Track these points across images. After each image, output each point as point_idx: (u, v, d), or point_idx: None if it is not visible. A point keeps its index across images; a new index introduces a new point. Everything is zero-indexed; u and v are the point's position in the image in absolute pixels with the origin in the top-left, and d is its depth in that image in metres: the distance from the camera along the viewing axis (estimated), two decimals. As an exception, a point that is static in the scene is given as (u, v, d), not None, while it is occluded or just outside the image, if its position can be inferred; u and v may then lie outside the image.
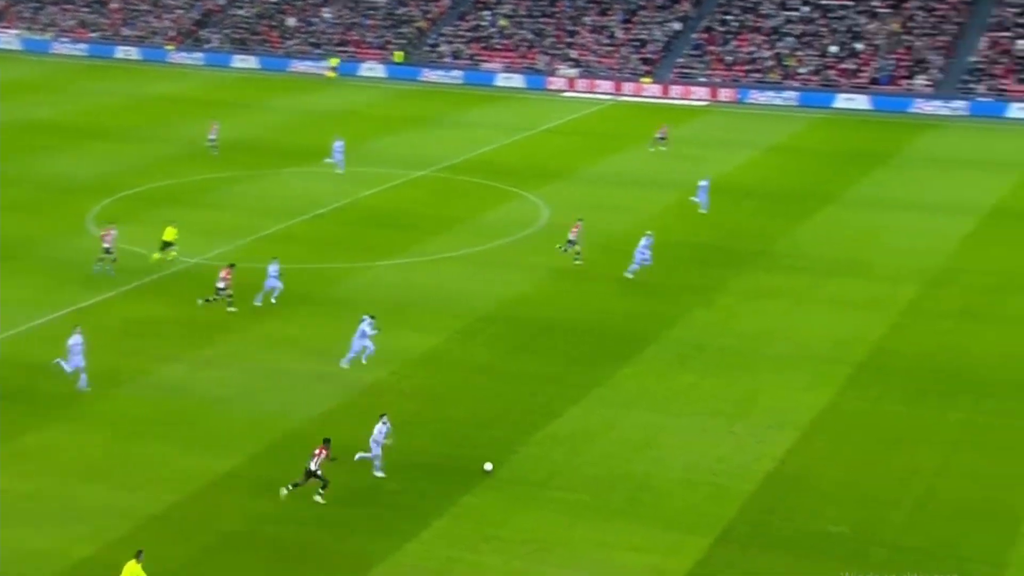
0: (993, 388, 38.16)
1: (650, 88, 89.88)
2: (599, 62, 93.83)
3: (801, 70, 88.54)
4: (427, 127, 78.23)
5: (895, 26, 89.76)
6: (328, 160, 64.98)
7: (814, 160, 69.32)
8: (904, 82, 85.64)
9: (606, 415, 36.29)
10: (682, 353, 41.03)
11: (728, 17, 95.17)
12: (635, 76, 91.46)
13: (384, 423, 32.33)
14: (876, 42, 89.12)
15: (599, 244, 52.65)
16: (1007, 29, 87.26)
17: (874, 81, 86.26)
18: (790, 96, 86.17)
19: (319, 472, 30.83)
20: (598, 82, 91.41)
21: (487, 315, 44.49)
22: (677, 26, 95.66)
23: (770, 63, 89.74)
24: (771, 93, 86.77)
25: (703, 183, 57.01)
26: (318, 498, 31.01)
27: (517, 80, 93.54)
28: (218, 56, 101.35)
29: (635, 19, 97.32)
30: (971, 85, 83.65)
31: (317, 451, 30.96)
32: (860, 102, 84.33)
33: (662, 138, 70.44)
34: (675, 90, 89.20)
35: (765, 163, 68.43)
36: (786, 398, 37.37)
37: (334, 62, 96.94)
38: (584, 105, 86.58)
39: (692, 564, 28.53)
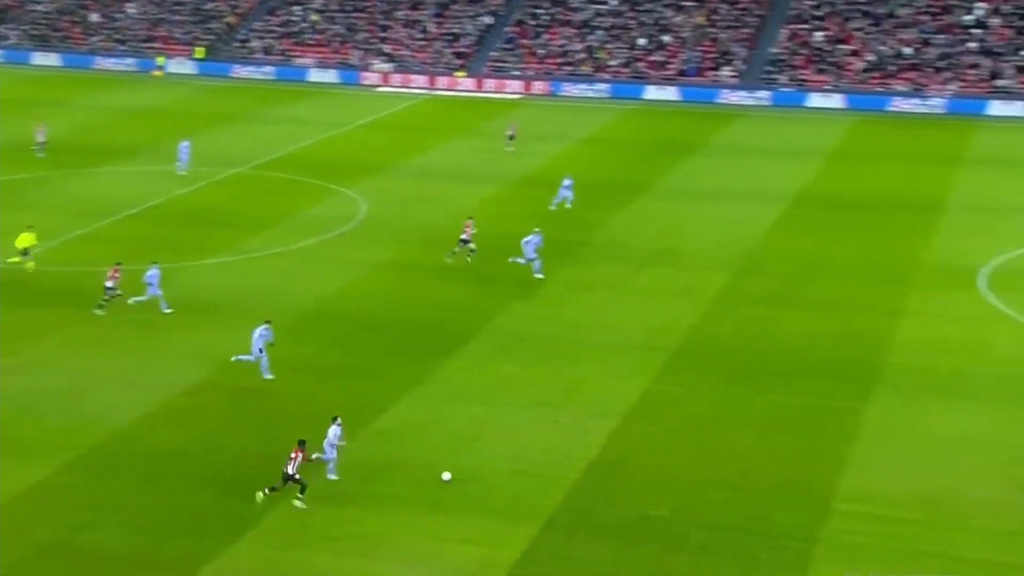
0: (801, 370, 39.55)
1: (464, 82, 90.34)
2: (412, 56, 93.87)
3: (611, 62, 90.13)
4: (240, 124, 77.14)
5: (700, 19, 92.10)
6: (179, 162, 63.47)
7: (626, 151, 70.69)
8: (710, 74, 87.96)
9: (432, 409, 36.45)
10: (505, 345, 41.47)
11: (539, 11, 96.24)
12: (449, 70, 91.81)
13: (338, 425, 31.96)
14: (683, 35, 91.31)
15: (418, 238, 52.84)
16: (805, 21, 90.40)
17: (682, 73, 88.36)
18: (601, 88, 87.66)
19: (297, 476, 30.34)
20: (412, 77, 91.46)
21: (308, 312, 44.20)
22: (489, 20, 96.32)
23: (581, 56, 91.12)
24: (583, 86, 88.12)
25: (567, 181, 57.09)
26: (297, 503, 30.59)
27: (330, 75, 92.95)
28: (17, 53, 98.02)
29: (447, 13, 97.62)
30: (773, 76, 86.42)
31: (293, 454, 30.45)
32: (669, 93, 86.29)
33: (512, 136, 70.04)
34: (489, 84, 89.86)
35: (579, 155, 69.48)
36: (607, 386, 38.10)
37: (161, 61, 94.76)
38: (399, 100, 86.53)
39: (519, 554, 28.91)
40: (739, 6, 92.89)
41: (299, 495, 30.69)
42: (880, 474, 32.61)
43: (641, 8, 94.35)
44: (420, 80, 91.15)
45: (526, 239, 47.76)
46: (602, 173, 65.05)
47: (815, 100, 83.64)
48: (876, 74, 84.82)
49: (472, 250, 49.56)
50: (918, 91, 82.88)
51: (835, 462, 33.21)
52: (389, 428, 35.24)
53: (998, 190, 61.23)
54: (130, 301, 43.26)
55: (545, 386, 38.04)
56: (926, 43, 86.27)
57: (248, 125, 76.92)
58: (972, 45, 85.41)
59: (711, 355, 40.78)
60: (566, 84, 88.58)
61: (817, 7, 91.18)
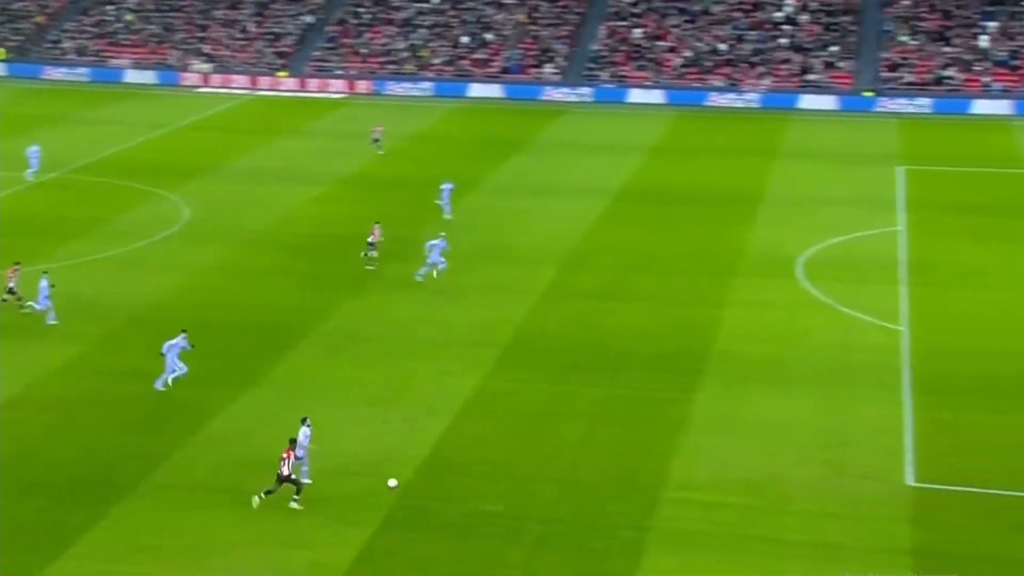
0: (630, 362, 40.14)
1: (287, 82, 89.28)
2: (233, 57, 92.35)
3: (435, 61, 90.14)
4: (54, 127, 74.76)
5: (521, 17, 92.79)
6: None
7: (453, 149, 70.76)
8: (533, 71, 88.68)
9: (262, 412, 35.90)
10: (335, 345, 41.12)
11: (360, 9, 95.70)
12: (271, 70, 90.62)
13: (307, 426, 31.49)
14: (505, 33, 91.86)
15: (244, 240, 52.07)
16: (624, 19, 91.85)
17: (505, 71, 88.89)
18: (426, 87, 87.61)
19: (292, 476, 30.06)
20: (233, 77, 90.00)
21: (134, 318, 43.12)
22: (310, 19, 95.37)
23: (405, 54, 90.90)
24: (408, 84, 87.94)
25: (446, 186, 56.58)
26: (294, 504, 30.24)
27: (148, 76, 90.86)
28: None
29: (267, 13, 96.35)
30: (595, 73, 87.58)
31: (285, 454, 30.13)
32: (493, 91, 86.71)
33: (377, 140, 69.04)
34: (312, 83, 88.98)
35: (408, 153, 69.24)
36: (438, 383, 38.07)
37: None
38: (220, 101, 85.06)
39: (355, 555, 28.68)
40: (559, 4, 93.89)
41: (295, 496, 30.42)
42: (706, 462, 33.30)
43: (463, 6, 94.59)
44: (241, 80, 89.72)
45: (431, 242, 47.21)
46: (429, 171, 64.89)
47: (636, 96, 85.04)
48: (693, 70, 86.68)
49: (373, 256, 48.86)
50: (733, 86, 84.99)
51: (664, 452, 33.79)
52: (218, 433, 34.58)
53: (812, 181, 63.19)
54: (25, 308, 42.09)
55: (377, 385, 37.82)
56: (740, 39, 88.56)
57: (64, 128, 74.64)
58: (783, 41, 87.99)
59: (542, 350, 41.09)
60: (390, 83, 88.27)
61: (635, 4, 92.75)
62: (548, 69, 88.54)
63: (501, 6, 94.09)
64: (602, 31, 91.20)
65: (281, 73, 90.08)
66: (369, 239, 48.99)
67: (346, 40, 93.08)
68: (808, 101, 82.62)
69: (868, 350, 40.91)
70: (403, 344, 41.28)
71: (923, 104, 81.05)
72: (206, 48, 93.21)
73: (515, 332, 42.41)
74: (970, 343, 41.47)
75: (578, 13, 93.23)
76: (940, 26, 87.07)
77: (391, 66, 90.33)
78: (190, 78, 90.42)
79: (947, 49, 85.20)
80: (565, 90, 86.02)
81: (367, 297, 45.79)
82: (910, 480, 32.24)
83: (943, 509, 30.97)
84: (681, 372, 39.17)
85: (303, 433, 31.53)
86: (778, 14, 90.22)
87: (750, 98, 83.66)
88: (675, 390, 37.83)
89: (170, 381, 37.28)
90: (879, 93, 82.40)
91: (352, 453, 33.50)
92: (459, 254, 50.57)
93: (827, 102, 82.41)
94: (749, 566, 28.54)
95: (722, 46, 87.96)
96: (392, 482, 30.89)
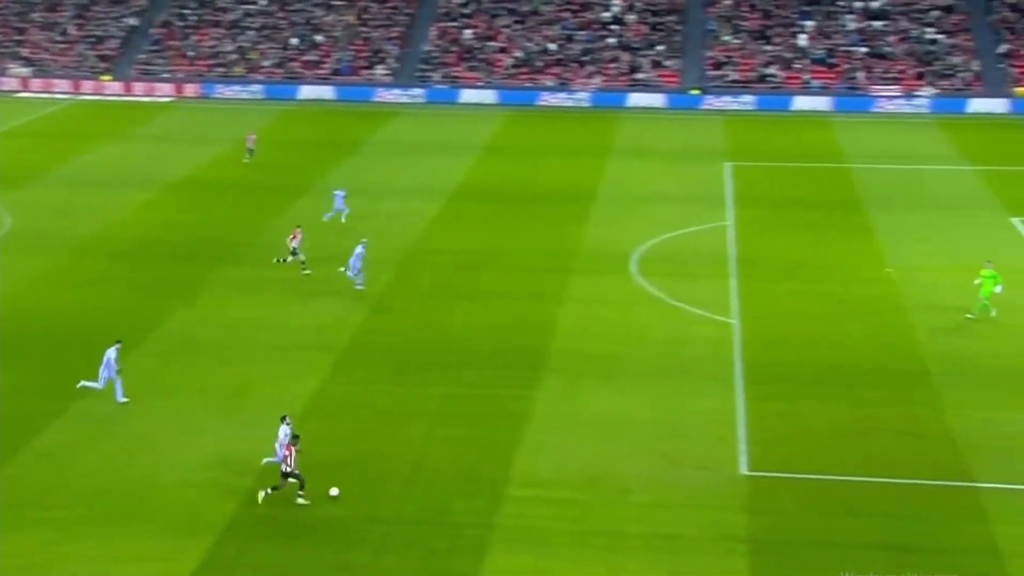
0: (471, 361, 40.26)
1: (111, 86, 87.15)
2: (53, 60, 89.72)
3: (264, 63, 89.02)
4: None
5: (351, 19, 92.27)
6: None
7: (285, 152, 69.85)
8: (364, 72, 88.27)
9: (94, 423, 34.98)
10: (170, 351, 40.32)
11: (186, 11, 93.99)
12: (94, 74, 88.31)
13: (287, 424, 31.37)
14: (335, 34, 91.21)
15: (70, 248, 50.71)
16: (454, 19, 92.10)
17: (336, 72, 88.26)
18: (256, 89, 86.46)
19: (297, 472, 30.26)
20: (54, 81, 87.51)
21: (-48, 333, 41.56)
22: (133, 21, 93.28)
23: (233, 57, 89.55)
24: (237, 87, 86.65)
25: (339, 192, 55.33)
26: (300, 500, 30.36)
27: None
28: None
29: (88, 15, 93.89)
30: (427, 74, 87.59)
31: (287, 451, 30.32)
32: (324, 93, 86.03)
33: (251, 149, 67.14)
34: (138, 87, 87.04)
35: (238, 157, 68.15)
36: (278, 388, 37.61)
37: None
38: (41, 106, 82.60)
39: (196, 565, 28.17)
40: (389, 5, 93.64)
41: (300, 492, 30.52)
42: (548, 458, 33.61)
43: (291, 8, 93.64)
44: (63, 85, 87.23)
45: (356, 249, 46.31)
46: (262, 175, 64.16)
47: (468, 96, 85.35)
48: (524, 70, 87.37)
49: (303, 261, 47.97)
50: (564, 85, 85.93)
51: (506, 449, 33.99)
52: (47, 448, 33.57)
53: (643, 178, 64.29)
54: None
55: (214, 391, 37.18)
56: (569, 39, 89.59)
57: None
58: (611, 41, 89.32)
59: (381, 351, 40.94)
60: (219, 86, 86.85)
61: (465, 5, 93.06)
62: (380, 70, 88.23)
63: (330, 7, 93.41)
64: (433, 32, 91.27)
65: (105, 77, 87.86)
66: (292, 244, 48.23)
67: (172, 42, 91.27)
68: (637, 99, 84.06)
69: (701, 343, 41.81)
70: (240, 349, 40.68)
71: (747, 101, 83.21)
72: (25, 51, 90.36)
73: (353, 334, 42.16)
74: (797, 334, 42.72)
75: (408, 14, 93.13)
76: (761, 25, 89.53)
77: (219, 68, 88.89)
78: (8, 83, 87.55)
79: (768, 48, 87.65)
80: (397, 91, 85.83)
81: (201, 302, 44.99)
82: (744, 469, 33.06)
83: (775, 496, 31.84)
84: (521, 369, 39.46)
85: (283, 432, 31.41)
86: (605, 14, 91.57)
87: (581, 97, 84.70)
88: (516, 387, 38.09)
89: (87, 384, 36.30)
90: (705, 91, 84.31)
91: (192, 462, 32.88)
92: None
93: (656, 100, 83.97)
94: (590, 561, 28.90)
95: (552, 46, 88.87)
96: (334, 491, 31.03)
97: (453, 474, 32.68)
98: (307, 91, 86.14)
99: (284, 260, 48.49)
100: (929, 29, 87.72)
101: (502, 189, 62.18)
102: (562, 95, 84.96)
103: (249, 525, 29.94)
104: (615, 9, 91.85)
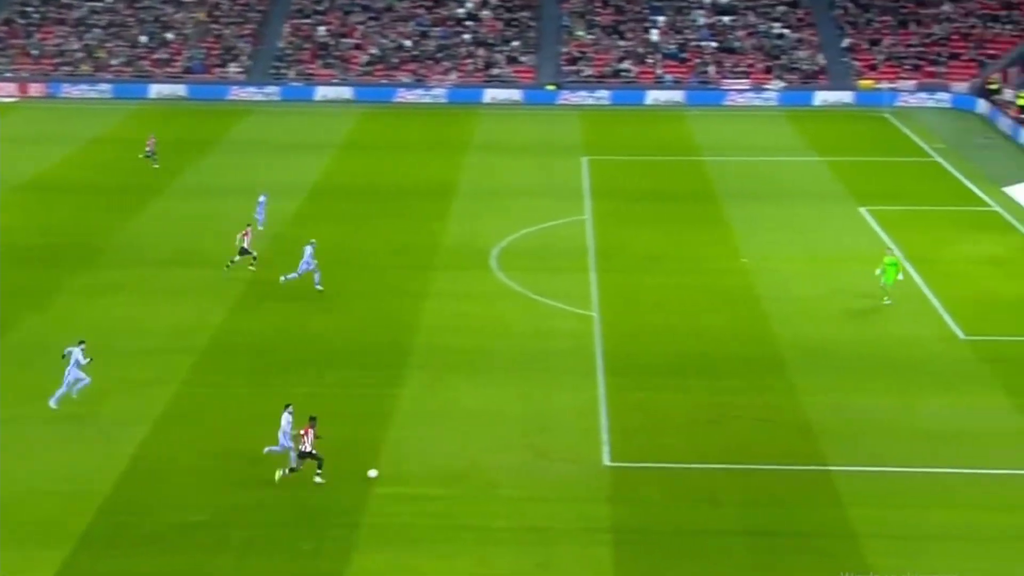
0: (334, 359, 39.97)
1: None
2: None
3: (113, 61, 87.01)
4: None
5: (201, 16, 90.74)
6: None
7: (138, 152, 68.34)
8: (217, 70, 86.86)
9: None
10: (22, 359, 39.17)
11: (29, 9, 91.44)
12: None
13: (290, 413, 31.61)
14: (185, 31, 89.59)
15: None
16: (308, 16, 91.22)
17: (188, 70, 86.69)
18: (104, 88, 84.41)
19: (314, 452, 30.92)
20: None
21: None
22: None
23: (80, 55, 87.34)
24: (84, 86, 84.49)
25: (261, 198, 53.75)
26: (318, 479, 31.15)
27: None
28: None
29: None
30: (282, 71, 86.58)
31: (304, 432, 30.95)
32: (177, 91, 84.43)
33: (152, 153, 64.83)
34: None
35: (87, 158, 66.52)
36: (135, 394, 36.85)
37: None
38: None
39: (52, 577, 27.51)
40: (240, 2, 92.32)
41: (318, 471, 31.26)
42: (414, 454, 33.56)
43: (139, 5, 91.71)
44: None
45: (307, 250, 45.61)
46: (114, 176, 62.72)
47: (323, 93, 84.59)
48: (380, 67, 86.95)
49: (254, 258, 47.23)
50: (420, 82, 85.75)
51: (372, 447, 33.83)
52: None
53: (502, 174, 64.52)
54: None
55: (68, 400, 36.18)
56: (424, 36, 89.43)
57: None
58: (466, 37, 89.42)
59: (242, 352, 40.40)
60: (65, 85, 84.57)
61: (318, 2, 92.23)
62: (233, 68, 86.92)
63: (180, 4, 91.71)
64: (286, 29, 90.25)
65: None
66: (244, 242, 47.34)
67: (15, 40, 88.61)
68: (494, 95, 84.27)
69: (563, 336, 42.15)
70: (96, 355, 39.57)
71: (602, 96, 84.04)
72: None
73: (213, 336, 41.51)
74: (656, 325, 43.32)
75: (260, 11, 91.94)
76: (614, 21, 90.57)
77: (66, 67, 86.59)
78: None
79: (622, 43, 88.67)
80: (252, 89, 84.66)
81: (54, 307, 43.82)
82: (607, 461, 33.45)
83: (638, 486, 32.28)
84: (385, 367, 39.31)
85: (286, 420, 31.66)
86: (460, 10, 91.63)
87: (437, 93, 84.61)
88: (380, 385, 37.96)
89: (74, 394, 35.55)
90: (560, 86, 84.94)
91: (46, 473, 32.04)
92: (148, 260, 49.27)
93: (512, 96, 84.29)
94: (459, 556, 28.95)
95: (407, 43, 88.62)
96: (372, 472, 31.80)
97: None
98: (158, 90, 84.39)
99: (233, 260, 47.61)
100: (776, 24, 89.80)
101: (361, 186, 61.81)
102: (418, 91, 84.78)
103: (106, 534, 29.28)
104: (469, 5, 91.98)
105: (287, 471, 31.35)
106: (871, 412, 36.53)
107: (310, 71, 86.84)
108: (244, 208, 56.72)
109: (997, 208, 57.79)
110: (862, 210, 57.35)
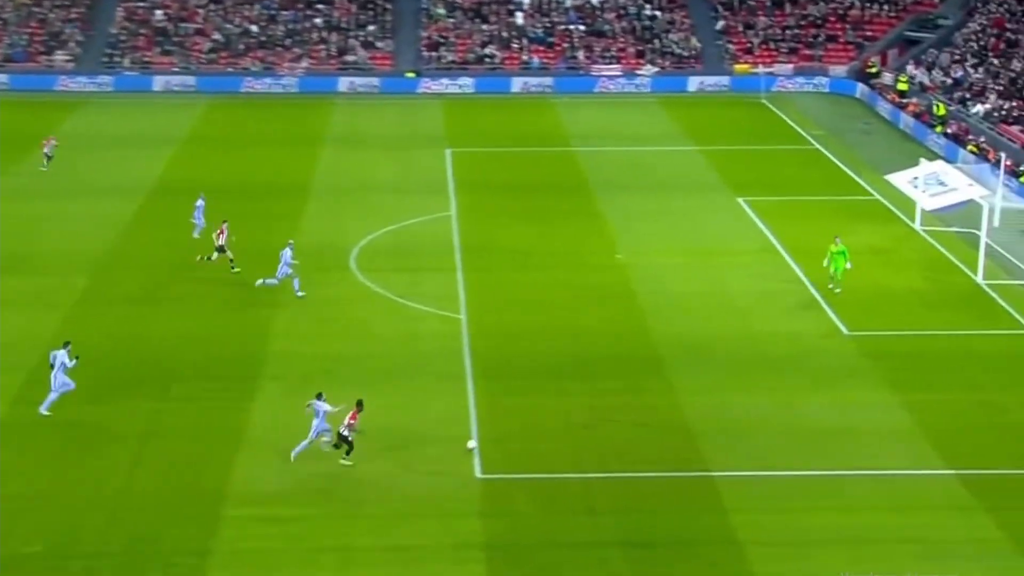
0: (180, 373, 39.45)
1: None
2: None
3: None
4: None
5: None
6: None
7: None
8: (42, 59, 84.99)
9: None
10: None
11: None
12: None
13: (323, 400, 33.52)
14: (4, 16, 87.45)
15: None
16: None
17: (8, 59, 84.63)
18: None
19: (350, 437, 32.79)
20: None
21: None
22: None
23: None
24: None
25: (199, 202, 52.31)
26: (345, 462, 32.95)
27: None
28: None
29: None
30: (115, 59, 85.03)
31: (352, 418, 32.88)
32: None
33: (50, 156, 62.67)
34: None
35: None
36: (-42, 416, 35.94)
37: None
38: None
39: None
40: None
41: (347, 454, 32.98)
42: (270, 473, 33.29)
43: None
44: None
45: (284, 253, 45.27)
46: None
47: (163, 83, 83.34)
48: (225, 54, 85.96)
49: (230, 258, 46.92)
50: (269, 70, 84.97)
51: (223, 466, 33.48)
52: None
53: (360, 168, 64.33)
54: None
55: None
56: (272, 20, 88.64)
57: None
58: (318, 21, 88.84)
59: (77, 367, 39.53)
60: None
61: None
62: (60, 56, 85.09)
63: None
64: (119, 13, 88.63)
65: None
66: (219, 240, 46.85)
67: None
68: (349, 84, 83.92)
69: (430, 340, 42.22)
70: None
71: (466, 84, 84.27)
72: None
73: (45, 351, 40.53)
74: (529, 325, 43.62)
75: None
76: (476, 2, 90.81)
77: None
78: None
79: (485, 27, 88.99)
80: (82, 79, 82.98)
81: None
82: (478, 472, 33.59)
83: (512, 499, 32.49)
84: (237, 379, 38.94)
85: (319, 407, 33.37)
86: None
87: (288, 82, 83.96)
88: (231, 398, 37.59)
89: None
90: (421, 73, 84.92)
91: None
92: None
93: (369, 84, 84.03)
94: (322, 580, 28.85)
95: (254, 28, 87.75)
96: (471, 443, 34.05)
97: (163, 498, 31.95)
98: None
99: (209, 258, 47.12)
100: (647, 5, 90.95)
101: (207, 184, 60.67)
102: (267, 80, 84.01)
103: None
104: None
105: (344, 458, 33.18)
106: (753, 412, 37.27)
107: (147, 59, 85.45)
108: (78, 210, 55.74)
109: (878, 196, 59.36)
110: (740, 200, 58.47)
